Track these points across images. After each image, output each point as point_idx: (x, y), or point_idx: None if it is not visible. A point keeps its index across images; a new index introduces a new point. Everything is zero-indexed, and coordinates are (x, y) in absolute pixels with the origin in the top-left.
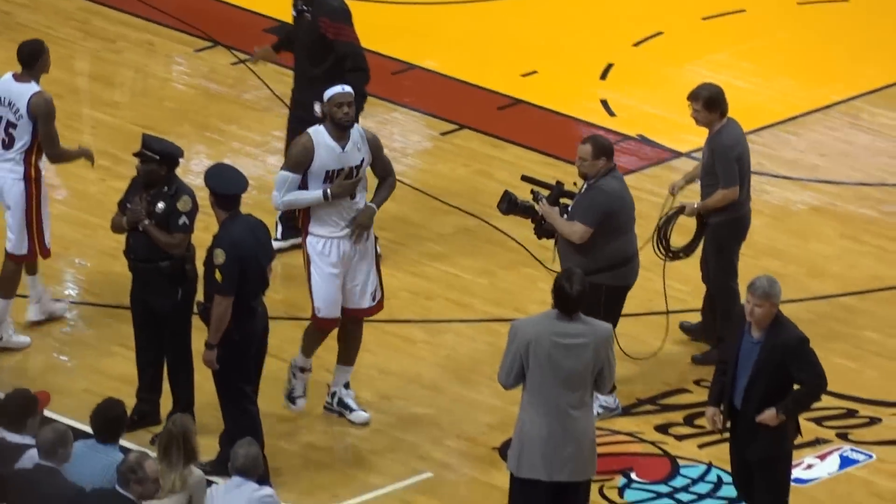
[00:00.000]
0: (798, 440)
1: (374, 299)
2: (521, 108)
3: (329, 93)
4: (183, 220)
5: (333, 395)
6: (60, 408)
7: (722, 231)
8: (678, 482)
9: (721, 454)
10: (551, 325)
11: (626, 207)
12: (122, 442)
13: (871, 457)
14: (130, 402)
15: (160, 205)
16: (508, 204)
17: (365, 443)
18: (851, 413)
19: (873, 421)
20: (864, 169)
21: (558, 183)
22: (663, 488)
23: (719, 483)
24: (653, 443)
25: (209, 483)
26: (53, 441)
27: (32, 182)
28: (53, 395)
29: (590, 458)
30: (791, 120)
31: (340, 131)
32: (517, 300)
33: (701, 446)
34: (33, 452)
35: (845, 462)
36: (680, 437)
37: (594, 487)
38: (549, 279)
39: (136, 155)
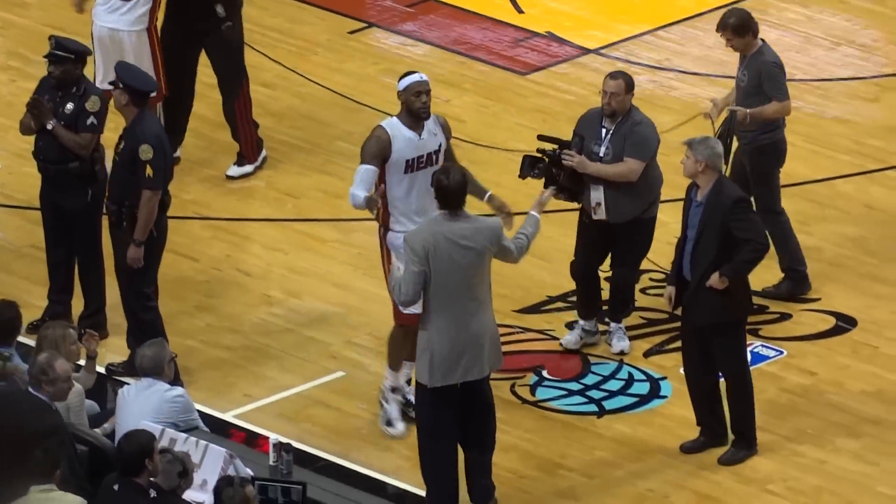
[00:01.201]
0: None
1: None
2: (429, 5)
3: (405, 82)
4: (91, 120)
5: (395, 390)
6: None
7: (765, 157)
8: (589, 379)
9: (632, 351)
10: (443, 227)
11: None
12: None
13: (781, 353)
14: (43, 303)
15: (69, 105)
16: (531, 167)
17: (276, 342)
18: (762, 309)
19: (784, 317)
20: None
21: (577, 134)
22: (575, 385)
23: (630, 380)
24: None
25: (122, 384)
26: None
27: None
28: None
29: (496, 351)
30: (698, 16)
31: (416, 120)
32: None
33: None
34: None
35: (756, 358)
36: None
37: (506, 385)
38: None
39: (48, 56)
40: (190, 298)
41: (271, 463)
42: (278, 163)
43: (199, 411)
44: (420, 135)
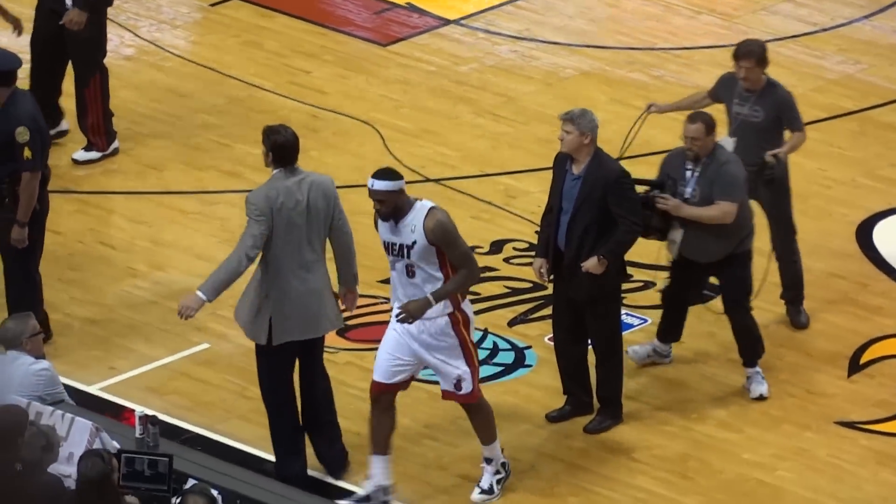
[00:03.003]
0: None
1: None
2: None
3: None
4: None
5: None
6: None
7: (784, 168)
8: None
9: (496, 320)
10: (284, 186)
11: None
12: None
13: (645, 321)
14: None
15: None
16: None
17: (141, 315)
18: (626, 277)
19: (648, 285)
20: (632, 34)
21: (669, 176)
22: None
23: (495, 349)
24: None
25: None
26: None
27: None
28: None
29: (334, 310)
30: None
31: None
32: None
33: (476, 313)
34: None
35: (621, 326)
36: None
37: (369, 356)
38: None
39: None
40: (53, 272)
41: (137, 435)
42: (141, 136)
43: (64, 385)
44: (396, 224)
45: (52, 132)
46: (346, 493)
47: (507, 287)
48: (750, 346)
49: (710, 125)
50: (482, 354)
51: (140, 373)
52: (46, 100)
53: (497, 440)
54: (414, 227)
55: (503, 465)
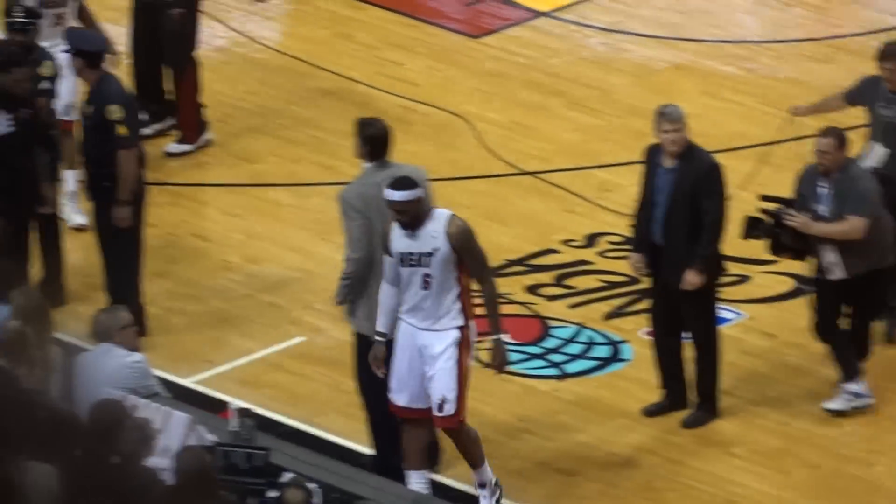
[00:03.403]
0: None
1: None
2: None
3: (385, 194)
4: (44, 84)
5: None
6: None
7: None
8: (550, 343)
9: (592, 314)
10: (376, 182)
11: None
12: None
13: (741, 315)
14: None
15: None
16: (753, 228)
17: (236, 308)
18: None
19: (743, 279)
20: (725, 27)
21: (802, 196)
22: (535, 349)
23: (591, 343)
24: (523, 304)
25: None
26: None
27: None
28: None
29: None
30: None
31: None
32: None
33: (572, 307)
34: None
35: (718, 320)
36: (550, 298)
37: None
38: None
39: (14, 23)
40: (148, 265)
41: (234, 429)
42: (233, 128)
43: (159, 378)
44: (414, 233)
45: (158, 127)
46: (442, 487)
47: (603, 281)
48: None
49: (841, 140)
50: (577, 349)
51: (235, 366)
52: (152, 96)
53: (486, 462)
54: (436, 234)
55: (496, 483)
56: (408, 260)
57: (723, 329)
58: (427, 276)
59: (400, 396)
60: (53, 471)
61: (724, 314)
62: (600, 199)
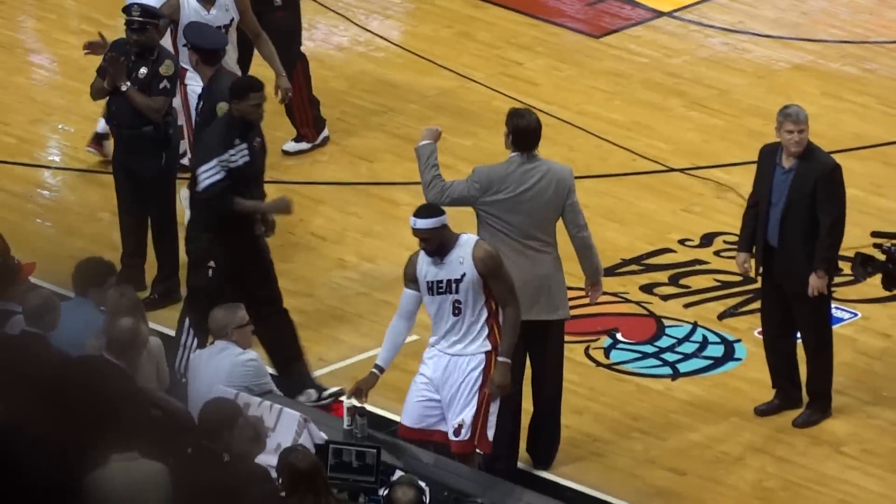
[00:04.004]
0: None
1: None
2: None
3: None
4: (164, 83)
5: None
6: (46, 275)
7: None
8: (664, 342)
9: (706, 314)
10: (514, 172)
11: None
12: None
13: (856, 315)
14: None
15: (142, 70)
16: (864, 265)
17: (350, 306)
18: (836, 271)
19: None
20: (845, 27)
21: None
22: (649, 348)
23: (705, 342)
24: (638, 303)
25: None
26: (39, 307)
27: None
28: (38, 261)
29: (558, 300)
30: None
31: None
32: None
33: (686, 306)
34: (19, 318)
35: (831, 321)
36: (665, 297)
37: (580, 348)
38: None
39: (131, 22)
40: None
41: (346, 427)
42: (352, 126)
43: (272, 376)
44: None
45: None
46: (552, 485)
47: (717, 280)
48: None
49: None
50: (691, 348)
51: (348, 364)
52: None
53: None
54: (462, 259)
55: None
56: (436, 288)
57: (836, 329)
58: (457, 302)
59: (405, 415)
60: (165, 469)
61: (837, 314)
62: (718, 198)
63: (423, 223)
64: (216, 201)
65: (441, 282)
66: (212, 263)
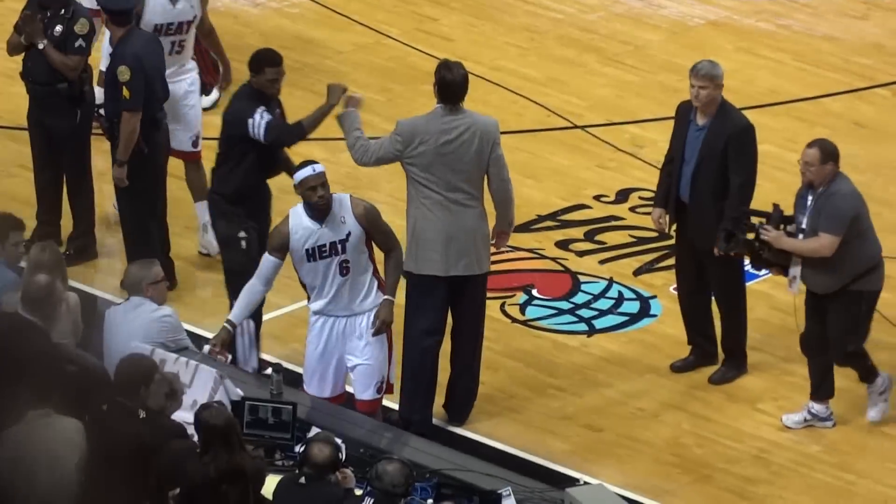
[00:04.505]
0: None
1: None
2: None
3: (297, 176)
4: (80, 42)
5: None
6: None
7: None
8: (579, 298)
9: (621, 270)
10: (436, 123)
11: (865, 205)
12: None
13: (768, 272)
14: (31, 224)
15: (57, 27)
16: (727, 241)
17: None
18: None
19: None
20: None
21: (776, 207)
22: (564, 304)
23: (620, 298)
24: (553, 259)
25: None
26: None
27: None
28: None
29: (480, 253)
30: None
31: (318, 213)
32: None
33: (602, 262)
34: None
35: (746, 277)
36: (580, 253)
37: (495, 305)
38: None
39: None
40: (179, 219)
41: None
42: None
43: (188, 332)
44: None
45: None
46: (467, 441)
47: (633, 236)
48: (860, 371)
49: (827, 154)
50: (607, 304)
51: (265, 321)
52: None
53: None
54: (343, 217)
55: None
56: (319, 253)
57: (751, 285)
58: (344, 262)
59: (310, 387)
60: (80, 426)
61: (752, 270)
62: (632, 155)
63: (320, 167)
64: (285, 132)
65: (324, 245)
66: (242, 234)
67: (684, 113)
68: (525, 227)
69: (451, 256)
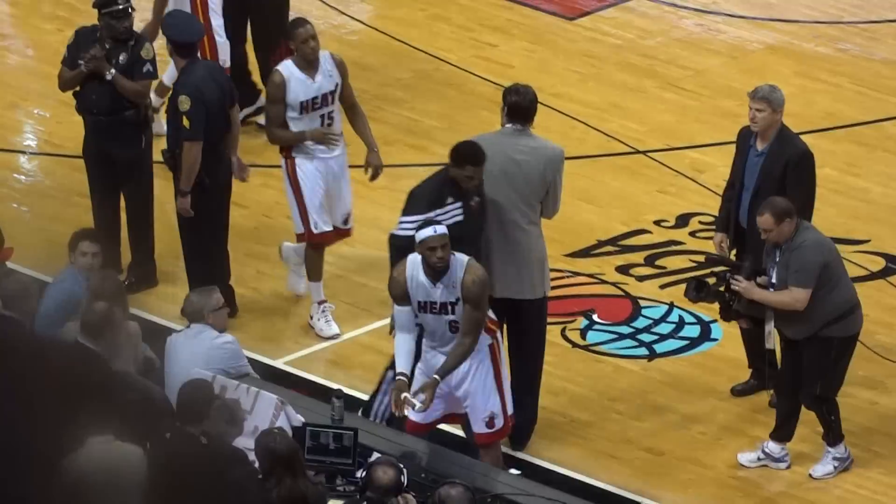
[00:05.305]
0: None
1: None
2: None
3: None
4: (147, 67)
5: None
6: (23, 260)
7: None
8: (640, 323)
9: (682, 294)
10: (501, 141)
11: (835, 252)
12: None
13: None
14: None
15: (122, 56)
16: (698, 290)
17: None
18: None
19: None
20: (818, 7)
21: (750, 259)
22: (625, 329)
23: (681, 323)
24: (614, 284)
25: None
26: (15, 292)
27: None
28: (15, 247)
29: (535, 280)
30: None
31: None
32: None
33: (662, 287)
34: None
35: None
36: (641, 278)
37: (556, 329)
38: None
39: (112, 10)
40: (239, 246)
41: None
42: None
43: (249, 359)
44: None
45: (251, 109)
46: (529, 465)
47: (693, 261)
48: (826, 427)
49: (778, 213)
50: (667, 328)
51: (325, 346)
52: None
53: None
54: (455, 283)
55: None
56: (430, 308)
57: None
58: (453, 322)
59: (415, 414)
60: (141, 452)
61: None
62: (692, 180)
63: (443, 228)
64: (398, 250)
65: (435, 303)
66: None
67: (745, 138)
68: (585, 253)
69: (509, 278)
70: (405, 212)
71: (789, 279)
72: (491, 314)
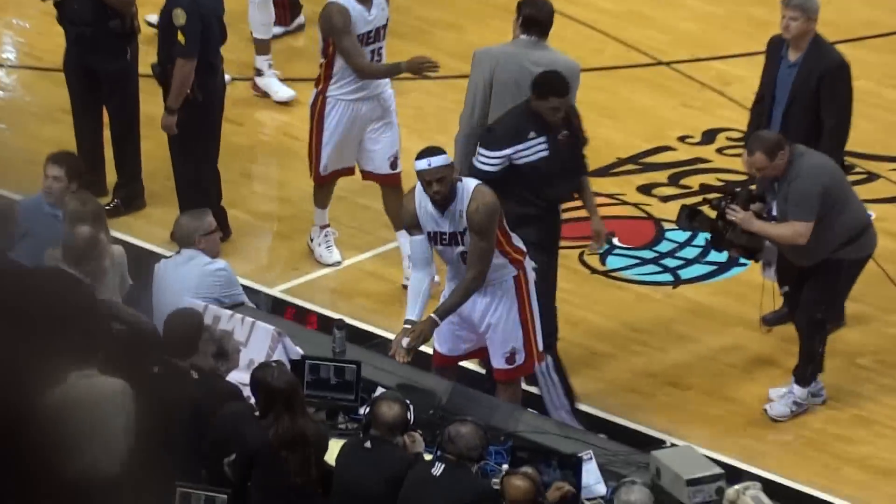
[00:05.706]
0: None
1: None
2: None
3: (416, 166)
4: None
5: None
6: (1, 182)
7: None
8: (664, 246)
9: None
10: (515, 52)
11: (836, 175)
12: None
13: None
14: None
15: None
16: (690, 219)
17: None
18: (848, 168)
19: (871, 177)
20: None
21: (747, 188)
22: (648, 253)
23: (707, 247)
24: (636, 205)
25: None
26: None
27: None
28: None
29: None
30: None
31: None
32: None
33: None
34: None
35: None
36: (664, 199)
37: (574, 254)
38: None
39: None
40: (233, 166)
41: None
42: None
43: (244, 286)
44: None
45: (293, 26)
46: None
47: (721, 179)
48: (801, 356)
49: (769, 148)
50: (693, 252)
51: (326, 273)
52: None
53: None
54: (461, 212)
55: None
56: (439, 239)
57: None
58: (464, 253)
59: (439, 341)
60: (126, 387)
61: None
62: (721, 92)
63: (437, 160)
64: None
65: (444, 234)
66: None
67: (776, 48)
68: (605, 171)
69: None
70: (484, 145)
71: (789, 213)
72: (518, 243)
